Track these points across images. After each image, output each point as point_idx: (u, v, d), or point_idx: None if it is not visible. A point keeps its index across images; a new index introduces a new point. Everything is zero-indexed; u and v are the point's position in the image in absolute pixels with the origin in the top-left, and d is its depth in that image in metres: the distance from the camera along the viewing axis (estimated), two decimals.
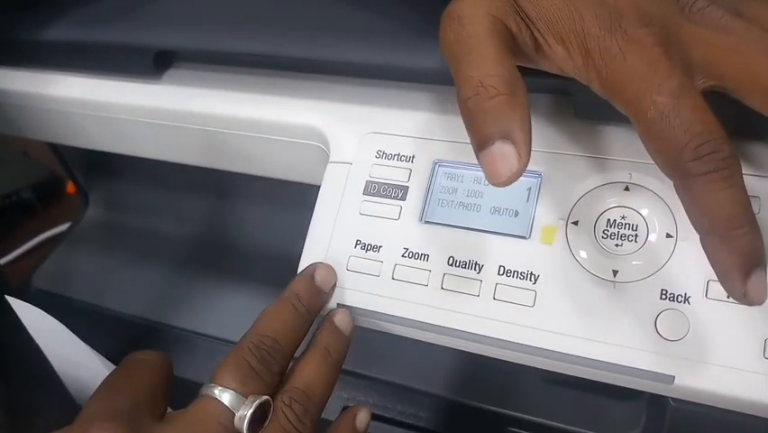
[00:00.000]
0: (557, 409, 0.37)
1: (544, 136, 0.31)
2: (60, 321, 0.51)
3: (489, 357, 0.32)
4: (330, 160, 0.34)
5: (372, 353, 0.42)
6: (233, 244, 0.50)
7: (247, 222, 0.50)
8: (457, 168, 0.32)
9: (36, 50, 0.41)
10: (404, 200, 0.32)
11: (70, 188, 0.98)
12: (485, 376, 0.39)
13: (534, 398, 0.38)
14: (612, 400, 0.37)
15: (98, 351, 0.49)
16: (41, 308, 0.51)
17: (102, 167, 0.55)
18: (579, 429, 0.36)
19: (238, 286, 0.48)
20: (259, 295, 0.47)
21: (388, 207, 0.32)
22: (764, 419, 0.27)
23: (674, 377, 0.26)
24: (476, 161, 0.30)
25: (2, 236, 0.92)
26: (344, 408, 0.42)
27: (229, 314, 0.46)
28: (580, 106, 0.30)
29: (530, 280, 0.29)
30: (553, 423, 0.37)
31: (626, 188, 0.29)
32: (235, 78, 0.38)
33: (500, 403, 0.38)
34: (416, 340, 0.33)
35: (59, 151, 0.53)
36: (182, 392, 0.46)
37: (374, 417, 0.41)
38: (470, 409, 0.38)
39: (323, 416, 0.42)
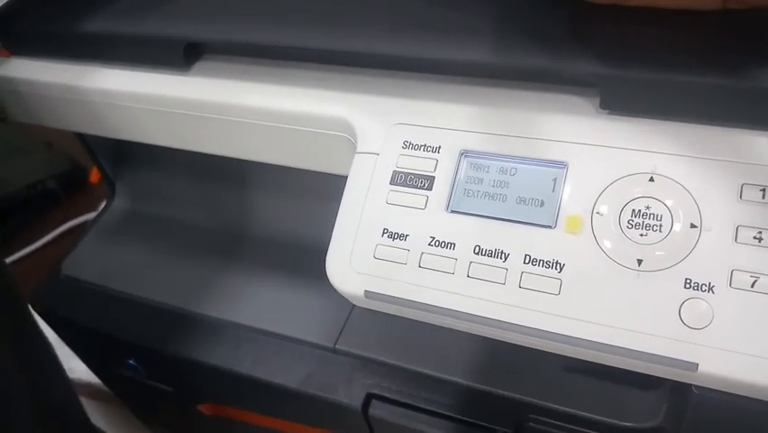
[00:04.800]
0: (578, 397, 0.38)
1: (569, 127, 0.31)
2: (89, 307, 0.52)
3: (511, 345, 0.32)
4: (357, 150, 0.34)
5: (395, 341, 0.42)
6: (257, 232, 0.51)
7: (271, 211, 0.50)
8: (483, 158, 0.32)
9: (68, 43, 0.42)
10: (430, 190, 0.32)
11: (94, 177, 0.99)
12: (507, 363, 0.40)
13: (555, 385, 0.38)
14: (634, 388, 0.37)
15: (126, 336, 0.50)
16: (71, 295, 0.53)
17: (128, 157, 0.56)
18: (600, 417, 0.37)
19: (262, 274, 0.48)
20: (283, 283, 0.48)
21: (414, 196, 0.32)
22: None
23: (698, 364, 0.26)
24: (502, 152, 0.30)
25: (28, 225, 0.94)
26: (368, 395, 0.43)
27: (253, 301, 0.47)
28: (604, 99, 0.31)
29: (556, 268, 0.29)
30: (575, 411, 0.37)
31: (651, 179, 0.29)
32: (263, 70, 0.39)
33: (522, 390, 0.38)
34: (438, 328, 0.34)
35: (86, 141, 0.54)
36: (206, 373, 0.47)
37: (396, 403, 0.42)
38: (491, 396, 0.39)
39: (340, 400, 0.43)
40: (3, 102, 0.48)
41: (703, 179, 0.29)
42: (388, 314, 0.36)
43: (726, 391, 0.27)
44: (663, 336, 0.27)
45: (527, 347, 0.32)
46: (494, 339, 0.33)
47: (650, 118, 0.30)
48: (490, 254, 0.30)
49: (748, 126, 0.29)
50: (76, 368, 0.78)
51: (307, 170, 0.40)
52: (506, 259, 0.30)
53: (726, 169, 0.29)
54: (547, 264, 0.30)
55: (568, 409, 0.38)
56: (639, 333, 0.27)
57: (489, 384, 0.39)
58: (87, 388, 0.78)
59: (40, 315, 0.54)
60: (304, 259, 0.47)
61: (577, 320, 0.28)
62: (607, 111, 0.31)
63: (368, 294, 0.32)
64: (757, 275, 0.27)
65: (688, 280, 0.28)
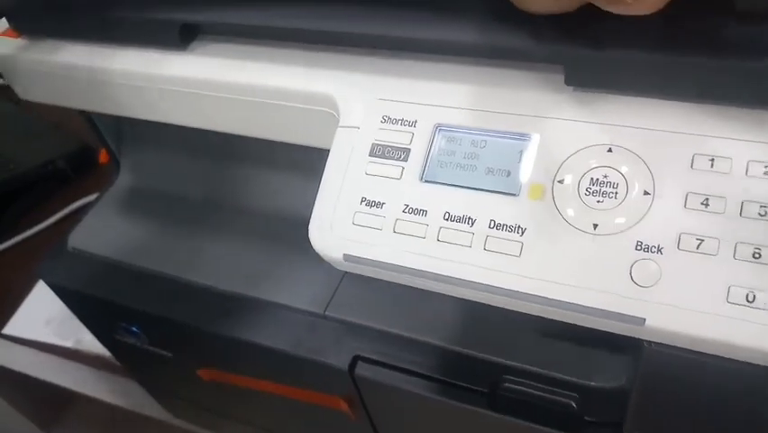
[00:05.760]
0: (549, 359, 0.40)
1: (535, 102, 0.33)
2: (94, 277, 0.55)
3: (488, 311, 0.35)
4: (340, 124, 0.37)
5: (381, 308, 0.45)
6: (254, 207, 0.53)
7: (267, 186, 0.53)
8: (456, 131, 0.34)
9: (74, 25, 0.45)
10: (406, 161, 0.35)
11: (103, 158, 1.02)
12: (484, 328, 0.42)
13: (528, 348, 0.40)
14: (602, 351, 0.39)
15: (128, 304, 0.53)
16: (77, 266, 0.55)
17: (132, 136, 0.58)
18: (568, 377, 0.39)
19: (259, 246, 0.51)
20: (278, 254, 0.50)
21: (391, 167, 0.35)
22: (732, 362, 0.29)
23: (645, 319, 0.29)
24: (474, 126, 0.32)
25: (38, 204, 0.97)
26: (355, 357, 0.45)
27: (250, 271, 0.49)
28: (569, 76, 0.33)
29: (518, 232, 0.32)
30: (545, 371, 0.40)
31: (609, 150, 0.31)
32: (255, 50, 0.41)
33: (497, 353, 0.41)
34: (422, 296, 0.36)
35: (91, 120, 0.57)
36: (204, 339, 0.49)
37: (381, 364, 0.44)
38: (469, 358, 0.41)
39: (329, 361, 0.45)
40: (13, 82, 0.50)
41: (657, 149, 0.31)
42: (374, 284, 0.38)
43: (672, 344, 0.30)
44: (615, 293, 0.29)
45: (503, 313, 0.34)
46: (472, 306, 0.35)
47: (610, 93, 0.32)
48: (459, 220, 0.33)
49: (699, 100, 0.31)
50: (84, 339, 0.82)
51: (300, 149, 0.43)
52: (472, 224, 0.32)
53: (679, 140, 0.31)
54: (510, 229, 0.32)
55: (539, 370, 0.40)
56: (593, 291, 0.30)
57: (467, 347, 0.42)
58: (95, 359, 0.81)
59: (48, 286, 0.57)
60: (298, 232, 0.49)
61: (536, 279, 0.31)
62: (571, 87, 0.33)
63: (346, 257, 0.35)
64: (702, 237, 0.29)
65: (639, 243, 0.30)
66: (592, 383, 0.38)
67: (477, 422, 0.44)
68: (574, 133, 0.32)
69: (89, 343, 0.81)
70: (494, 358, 0.41)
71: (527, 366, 0.40)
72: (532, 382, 0.40)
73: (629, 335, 0.30)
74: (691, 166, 0.30)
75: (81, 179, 1.00)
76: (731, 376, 0.30)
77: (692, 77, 0.31)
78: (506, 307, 0.33)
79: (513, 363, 0.40)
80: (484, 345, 0.41)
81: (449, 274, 0.32)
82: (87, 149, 1.02)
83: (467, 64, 0.36)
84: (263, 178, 0.54)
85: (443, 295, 0.41)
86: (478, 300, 0.33)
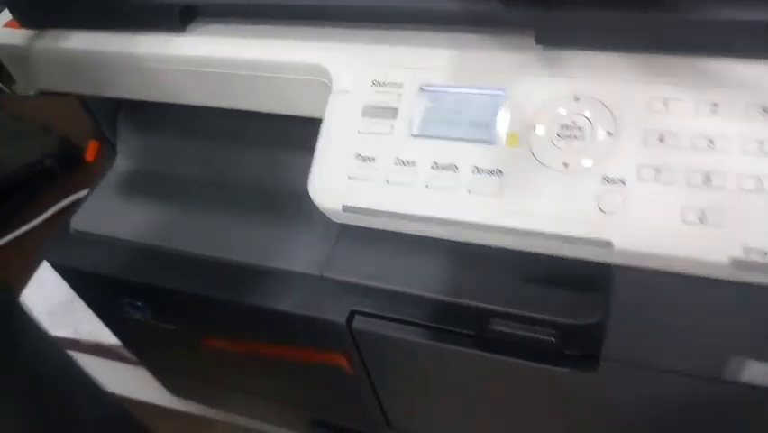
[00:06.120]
0: (530, 301, 0.44)
1: (509, 61, 0.37)
2: (97, 256, 0.57)
3: (472, 262, 0.38)
4: (332, 90, 0.40)
5: (374, 268, 0.48)
6: (248, 181, 0.56)
7: (260, 160, 0.56)
8: (439, 91, 0.38)
9: (77, 13, 0.48)
10: (395, 119, 0.38)
11: (89, 156, 1.05)
12: (468, 278, 0.46)
13: (511, 293, 0.44)
14: (577, 292, 0.43)
15: (132, 279, 0.56)
16: (80, 247, 0.58)
17: (127, 121, 0.61)
18: (547, 316, 0.43)
19: (255, 217, 0.54)
20: (275, 224, 0.53)
21: (381, 125, 0.38)
22: (690, 280, 0.33)
23: (611, 242, 0.33)
24: (455, 85, 0.36)
25: (28, 202, 0.99)
26: (352, 311, 0.49)
27: (249, 240, 0.52)
28: (538, 36, 0.37)
29: (497, 175, 0.35)
30: (527, 312, 0.43)
31: (576, 99, 0.35)
32: (251, 29, 0.44)
33: (483, 299, 0.44)
34: (409, 253, 0.40)
35: (88, 108, 0.60)
36: (207, 307, 0.52)
37: (376, 316, 0.48)
38: (457, 305, 0.45)
39: (328, 317, 0.48)
40: (18, 73, 0.53)
41: (618, 96, 0.35)
42: (366, 246, 0.42)
43: (636, 266, 0.34)
44: (585, 221, 0.33)
45: (487, 263, 0.38)
46: (457, 259, 0.38)
47: (576, 50, 0.36)
48: (445, 168, 0.36)
49: (655, 51, 0.35)
50: (81, 329, 0.84)
51: (290, 126, 0.46)
52: (457, 171, 0.36)
53: (638, 87, 0.35)
54: (491, 172, 0.36)
55: (521, 312, 0.44)
56: (566, 220, 0.34)
57: (454, 296, 0.45)
58: (93, 347, 0.83)
59: (53, 267, 0.60)
60: (292, 202, 0.53)
61: (515, 214, 0.35)
62: (541, 46, 0.37)
63: (345, 208, 0.38)
64: (659, 169, 0.33)
65: (605, 177, 0.34)
66: (570, 321, 0.42)
67: (467, 366, 0.48)
68: (544, 86, 0.36)
69: (87, 332, 0.84)
70: (480, 304, 0.45)
71: (510, 309, 0.44)
72: (515, 323, 0.44)
73: (599, 260, 0.34)
74: (649, 108, 0.34)
75: (69, 176, 1.02)
76: (690, 294, 0.35)
77: (647, 31, 0.35)
78: (490, 242, 0.36)
79: (497, 307, 0.44)
80: (470, 293, 0.45)
81: (438, 216, 0.36)
82: (74, 147, 1.04)
83: (447, 31, 0.40)
84: (255, 154, 0.57)
85: (430, 251, 0.45)
86: (464, 239, 0.37)
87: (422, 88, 0.38)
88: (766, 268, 0.30)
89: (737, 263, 0.31)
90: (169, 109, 0.53)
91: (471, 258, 0.45)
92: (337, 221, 0.40)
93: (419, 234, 0.38)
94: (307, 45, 0.42)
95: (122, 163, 0.62)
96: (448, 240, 0.39)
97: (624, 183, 0.33)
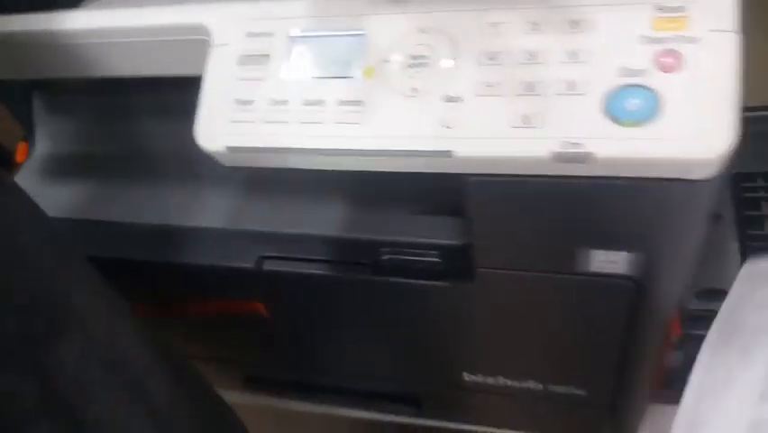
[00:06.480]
0: (413, 230, 0.48)
1: (364, 5, 0.42)
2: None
3: (361, 200, 0.42)
4: (213, 45, 0.44)
5: (274, 216, 0.52)
6: (159, 150, 0.60)
7: (169, 131, 0.59)
8: (305, 36, 0.42)
9: None
10: (267, 65, 0.42)
11: (19, 157, 1.06)
12: (360, 216, 0.50)
13: (397, 225, 0.49)
14: (451, 218, 0.48)
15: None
16: None
17: (40, 105, 0.64)
18: (429, 240, 0.48)
19: (166, 181, 0.58)
20: (183, 185, 0.57)
21: (256, 71, 0.42)
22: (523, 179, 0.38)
23: (452, 151, 0.37)
24: (318, 29, 0.40)
25: None
26: (260, 257, 0.53)
27: (165, 204, 0.56)
28: None
29: (358, 105, 0.40)
30: (412, 239, 0.48)
31: (422, 31, 0.40)
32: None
33: (373, 232, 0.49)
34: (302, 201, 0.44)
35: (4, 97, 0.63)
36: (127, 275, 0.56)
37: (283, 258, 0.52)
38: (351, 240, 0.49)
39: (241, 265, 0.52)
40: None
41: (457, 25, 0.39)
42: (266, 199, 0.45)
43: (479, 172, 0.38)
44: (431, 137, 0.38)
45: (374, 200, 0.42)
46: (346, 200, 0.43)
47: None
48: (313, 104, 0.41)
49: None
50: None
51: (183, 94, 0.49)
52: (324, 105, 0.40)
53: (473, 15, 0.39)
54: (352, 103, 0.40)
55: (407, 239, 0.48)
56: (417, 138, 0.38)
57: (349, 232, 0.50)
58: None
59: None
60: (204, 165, 0.56)
61: (375, 137, 0.39)
62: None
63: (230, 149, 0.42)
64: (491, 84, 0.38)
65: (446, 97, 0.38)
66: (449, 242, 0.47)
67: (367, 294, 0.52)
68: (396, 23, 0.41)
69: None
70: (371, 237, 0.49)
71: (398, 238, 0.49)
72: (403, 249, 0.49)
73: (446, 171, 0.39)
74: (481, 33, 0.39)
75: None
76: (531, 196, 0.39)
77: None
78: (359, 167, 0.41)
79: (387, 238, 0.49)
80: (362, 228, 0.50)
81: (311, 147, 0.40)
82: (2, 150, 1.05)
83: None
84: (168, 124, 0.60)
85: (324, 193, 0.49)
86: (339, 167, 0.41)
87: (290, 36, 0.43)
88: (580, 157, 0.35)
89: (557, 156, 0.35)
90: (81, 90, 0.57)
91: (359, 198, 0.50)
92: (227, 164, 0.44)
93: (299, 167, 0.42)
94: (189, 8, 0.46)
95: (40, 148, 0.65)
96: (338, 177, 0.43)
97: (462, 101, 0.38)
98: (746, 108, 0.34)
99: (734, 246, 0.72)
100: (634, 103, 0.35)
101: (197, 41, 0.46)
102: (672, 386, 0.62)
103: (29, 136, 0.66)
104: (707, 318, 0.69)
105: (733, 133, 0.33)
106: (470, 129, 0.37)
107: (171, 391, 0.39)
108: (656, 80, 0.35)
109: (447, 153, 0.37)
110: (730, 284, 0.70)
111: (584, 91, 0.36)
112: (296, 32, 0.43)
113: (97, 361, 0.36)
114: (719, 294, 0.71)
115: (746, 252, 0.72)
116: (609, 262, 0.42)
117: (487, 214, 0.43)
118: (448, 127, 0.38)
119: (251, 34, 0.43)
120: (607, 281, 0.43)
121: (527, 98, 0.37)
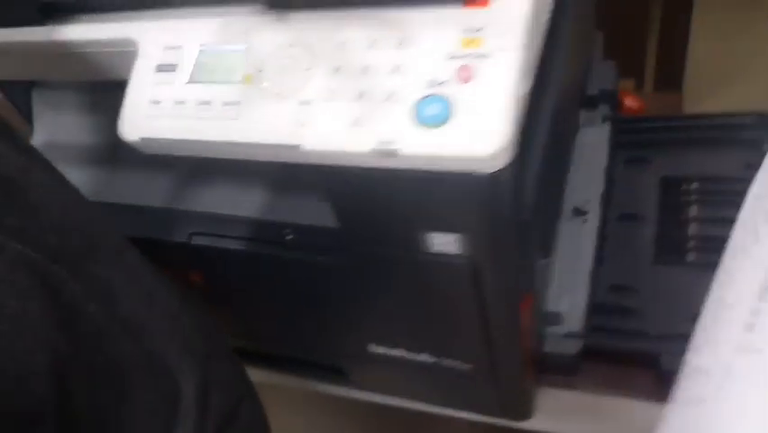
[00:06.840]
0: (308, 215, 0.57)
1: (249, 24, 0.51)
2: None
3: (272, 191, 0.51)
4: (138, 56, 0.54)
5: (204, 198, 0.62)
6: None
7: None
8: (206, 49, 0.52)
9: None
10: (175, 72, 0.52)
11: None
12: (276, 201, 0.59)
13: (304, 209, 0.57)
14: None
15: None
16: None
17: (39, 102, 0.76)
18: (322, 224, 0.56)
19: (127, 170, 0.68)
20: (134, 173, 0.67)
21: (167, 77, 0.52)
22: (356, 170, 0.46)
23: (299, 145, 0.46)
24: (214, 44, 0.50)
25: None
26: (191, 233, 0.63)
27: (114, 188, 0.67)
28: (268, 3, 0.50)
29: (237, 105, 0.49)
30: (309, 223, 0.57)
31: (291, 45, 0.49)
32: (96, 17, 0.58)
33: (281, 215, 0.58)
34: (226, 187, 0.54)
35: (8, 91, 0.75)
36: None
37: (210, 235, 0.62)
38: (262, 222, 0.58)
39: (175, 239, 0.62)
40: None
41: (320, 40, 0.48)
42: (205, 182, 0.55)
43: (322, 163, 0.46)
44: (286, 133, 0.46)
45: (281, 190, 0.51)
46: (271, 187, 0.52)
47: (296, 11, 0.49)
48: (204, 103, 0.50)
49: (347, 8, 0.48)
50: None
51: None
52: (211, 105, 0.50)
53: (331, 32, 0.48)
54: (233, 104, 0.49)
55: (305, 223, 0.57)
56: (275, 133, 0.47)
57: (263, 214, 0.59)
58: None
59: None
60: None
61: (245, 131, 0.48)
62: (273, 11, 0.50)
63: (143, 140, 0.52)
64: (335, 91, 0.46)
65: (301, 101, 0.47)
66: (333, 225, 0.55)
67: (277, 267, 0.61)
68: (272, 37, 0.50)
69: None
70: (278, 219, 0.58)
71: (297, 221, 0.57)
72: (302, 229, 0.57)
73: (298, 162, 0.47)
74: (340, 48, 0.47)
75: None
76: (376, 186, 0.47)
77: None
78: (234, 156, 0.50)
79: (287, 220, 0.58)
80: (273, 212, 0.59)
81: (203, 139, 0.50)
82: None
83: (218, 7, 0.53)
84: None
85: (240, 182, 0.59)
86: (220, 155, 0.50)
87: (194, 49, 0.52)
88: (391, 153, 0.43)
89: (375, 152, 0.43)
90: (76, 87, 0.68)
91: (271, 188, 0.59)
92: (145, 152, 0.54)
93: (195, 155, 0.52)
94: (123, 25, 0.56)
95: (37, 138, 0.77)
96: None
97: (312, 104, 0.46)
98: (675, 117, 0.40)
99: (649, 247, 0.77)
100: (433, 108, 0.42)
101: (128, 53, 0.56)
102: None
103: (30, 128, 0.78)
104: (615, 312, 0.75)
105: (509, 134, 0.41)
106: (316, 127, 0.46)
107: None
108: (452, 90, 0.42)
109: (296, 147, 0.46)
110: (640, 282, 0.76)
111: (400, 99, 0.44)
112: (198, 46, 0.52)
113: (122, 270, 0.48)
114: (629, 291, 0.77)
115: (661, 253, 0.77)
116: (446, 243, 0.49)
117: (340, 200, 0.51)
118: (301, 125, 0.46)
119: (167, 47, 0.53)
120: (447, 259, 0.50)
121: (359, 104, 0.45)
